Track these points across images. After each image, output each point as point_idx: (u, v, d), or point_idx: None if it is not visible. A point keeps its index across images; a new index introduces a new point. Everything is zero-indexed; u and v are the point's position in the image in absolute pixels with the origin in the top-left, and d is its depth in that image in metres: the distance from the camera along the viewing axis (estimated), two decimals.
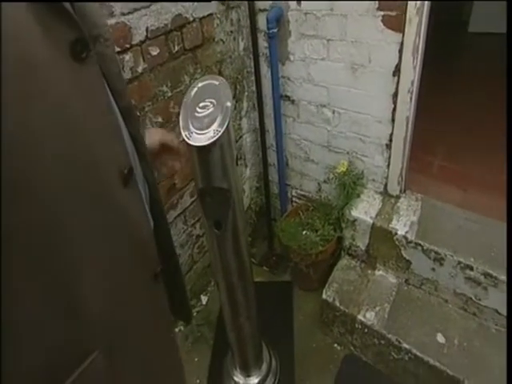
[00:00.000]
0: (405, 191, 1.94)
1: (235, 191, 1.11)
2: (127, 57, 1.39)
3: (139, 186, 0.66)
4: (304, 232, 2.12)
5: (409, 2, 1.44)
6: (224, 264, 1.28)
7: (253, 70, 2.03)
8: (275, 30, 1.80)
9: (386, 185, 1.92)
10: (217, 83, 1.00)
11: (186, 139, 0.94)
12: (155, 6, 1.43)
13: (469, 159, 2.23)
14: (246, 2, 1.83)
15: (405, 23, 1.48)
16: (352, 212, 1.89)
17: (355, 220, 1.89)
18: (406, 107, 1.64)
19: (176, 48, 1.59)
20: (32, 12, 0.42)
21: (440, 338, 1.62)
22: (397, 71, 1.60)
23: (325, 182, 2.15)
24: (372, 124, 1.78)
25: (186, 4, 1.57)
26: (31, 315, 0.50)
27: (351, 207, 1.91)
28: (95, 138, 0.53)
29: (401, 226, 1.77)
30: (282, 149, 2.18)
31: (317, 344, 1.96)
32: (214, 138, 0.93)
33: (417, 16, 1.45)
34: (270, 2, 1.80)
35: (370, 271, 1.94)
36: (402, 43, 1.53)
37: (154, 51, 1.49)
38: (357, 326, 1.77)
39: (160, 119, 1.61)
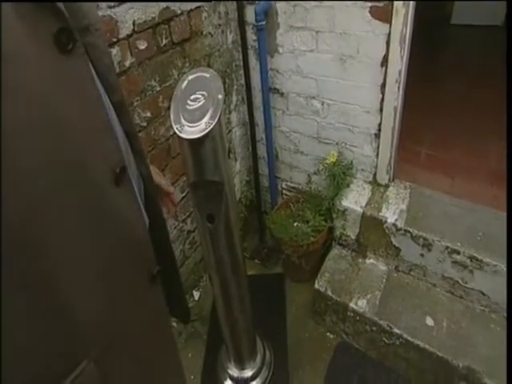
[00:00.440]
0: (393, 180, 1.98)
1: (227, 184, 1.11)
2: (114, 51, 1.36)
3: (133, 183, 0.65)
4: (295, 224, 2.14)
5: None
6: (217, 258, 1.27)
7: (241, 64, 2.04)
8: (264, 23, 1.80)
9: (375, 174, 1.95)
10: (207, 75, 1.00)
11: (178, 132, 0.94)
12: None
13: (455, 147, 2.28)
14: None
15: (392, 14, 1.51)
16: (342, 202, 1.92)
17: (345, 210, 1.91)
18: (394, 97, 1.67)
19: (164, 42, 1.57)
20: None
21: (429, 322, 1.67)
22: (385, 62, 1.62)
23: (315, 173, 2.17)
24: (361, 114, 1.81)
25: None
26: (15, 320, 0.46)
27: (341, 197, 1.93)
28: (84, 136, 0.50)
29: (390, 214, 1.80)
30: (271, 141, 2.19)
31: (309, 334, 1.98)
32: (206, 131, 0.93)
33: (404, 7, 1.47)
34: None
35: (360, 260, 1.97)
36: (389, 34, 1.56)
37: (142, 45, 1.47)
38: (349, 313, 1.80)
39: (149, 114, 1.60)
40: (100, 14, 1.28)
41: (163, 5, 1.51)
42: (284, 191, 2.42)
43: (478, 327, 1.64)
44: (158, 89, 1.62)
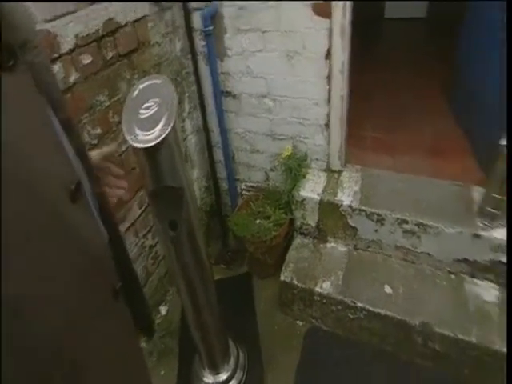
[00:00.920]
0: (346, 165, 2.10)
1: (187, 189, 1.10)
2: (56, 67, 1.31)
3: (89, 201, 0.64)
4: (257, 221, 2.19)
5: None
6: (182, 264, 1.26)
7: (192, 70, 2.08)
8: (211, 28, 1.87)
9: (328, 162, 2.05)
10: (159, 82, 0.98)
11: (132, 142, 0.91)
12: (83, 11, 1.38)
13: (396, 128, 2.50)
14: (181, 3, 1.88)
15: (331, 9, 1.64)
16: (300, 193, 2.00)
17: (304, 199, 1.99)
18: (340, 87, 1.80)
19: (110, 54, 1.54)
20: None
21: (387, 290, 1.79)
22: (328, 55, 1.75)
23: (271, 170, 2.25)
24: (311, 107, 1.92)
25: (117, 7, 1.52)
26: None
27: (299, 188, 2.02)
28: (32, 155, 0.48)
29: (345, 197, 1.91)
30: (227, 144, 2.24)
31: (279, 325, 2.01)
32: (162, 137, 0.91)
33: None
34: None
35: (321, 245, 2.05)
36: (330, 28, 1.68)
37: (87, 59, 1.43)
38: (315, 298, 1.85)
39: (99, 130, 1.55)
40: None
41: (106, 16, 1.48)
42: (243, 192, 2.47)
43: (427, 286, 1.80)
44: (108, 103, 1.58)
